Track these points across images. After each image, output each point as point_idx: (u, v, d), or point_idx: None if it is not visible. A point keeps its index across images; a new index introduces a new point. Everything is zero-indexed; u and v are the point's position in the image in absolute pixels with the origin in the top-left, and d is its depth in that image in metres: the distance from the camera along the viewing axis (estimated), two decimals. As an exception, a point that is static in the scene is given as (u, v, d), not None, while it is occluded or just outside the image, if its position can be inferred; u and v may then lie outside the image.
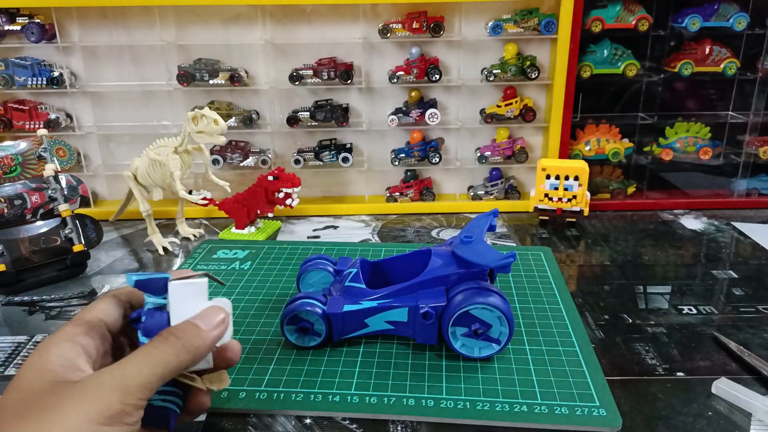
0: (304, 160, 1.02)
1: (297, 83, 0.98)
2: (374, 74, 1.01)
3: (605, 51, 0.98)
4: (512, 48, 0.98)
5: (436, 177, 1.06)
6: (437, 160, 1.02)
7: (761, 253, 0.84)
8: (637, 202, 1.03)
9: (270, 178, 0.90)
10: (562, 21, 0.93)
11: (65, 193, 0.81)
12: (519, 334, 0.62)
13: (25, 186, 0.78)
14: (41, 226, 0.79)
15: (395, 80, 0.98)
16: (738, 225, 0.94)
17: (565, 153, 1.00)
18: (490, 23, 0.96)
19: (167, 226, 0.96)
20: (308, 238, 0.93)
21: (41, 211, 0.79)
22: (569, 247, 0.87)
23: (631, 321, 0.67)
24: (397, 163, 1.03)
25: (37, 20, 0.94)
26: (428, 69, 0.97)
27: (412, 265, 0.62)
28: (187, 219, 0.97)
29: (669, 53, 1.01)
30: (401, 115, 1.00)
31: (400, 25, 0.96)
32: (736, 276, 0.77)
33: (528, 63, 0.98)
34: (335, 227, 0.97)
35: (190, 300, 0.44)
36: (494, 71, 0.98)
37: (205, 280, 0.45)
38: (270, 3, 0.94)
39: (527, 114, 1.00)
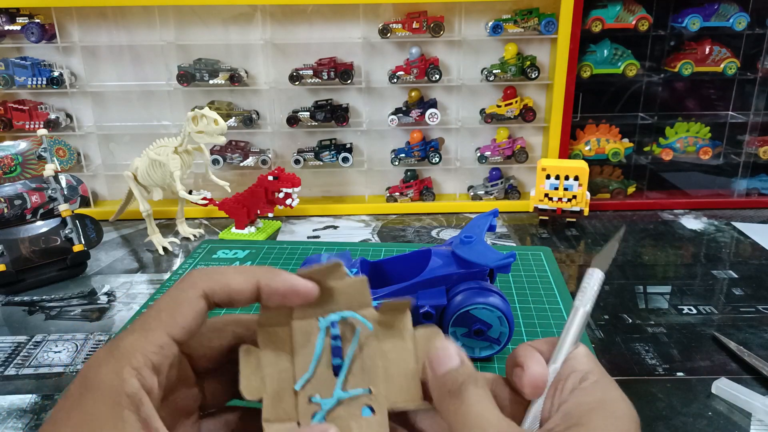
0: (304, 160, 1.02)
1: (297, 83, 0.98)
2: (374, 74, 1.01)
3: (605, 51, 0.98)
4: (512, 48, 0.98)
5: (436, 177, 1.06)
6: (437, 160, 1.02)
7: (761, 253, 0.84)
8: (637, 202, 1.03)
9: (270, 178, 0.90)
10: (562, 21, 0.93)
11: (65, 193, 0.81)
12: (519, 334, 0.62)
13: (25, 186, 0.78)
14: (41, 226, 0.79)
15: (395, 80, 0.98)
16: (738, 225, 0.94)
17: (565, 153, 1.00)
18: (490, 23, 0.96)
19: (167, 226, 0.96)
20: (308, 238, 0.93)
21: (41, 211, 0.79)
22: (569, 247, 0.87)
23: (631, 321, 0.67)
24: (397, 163, 1.03)
25: (37, 20, 0.94)
26: (428, 69, 0.97)
27: (412, 265, 0.62)
28: (187, 219, 0.97)
29: (669, 53, 1.01)
30: (401, 115, 1.00)
31: (400, 25, 0.96)
32: (736, 276, 0.77)
33: (528, 63, 0.98)
34: (335, 227, 0.97)
35: None
36: (494, 71, 0.98)
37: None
38: (270, 3, 0.94)
39: (527, 114, 1.00)
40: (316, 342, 0.35)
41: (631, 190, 1.05)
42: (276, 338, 0.36)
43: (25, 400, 0.55)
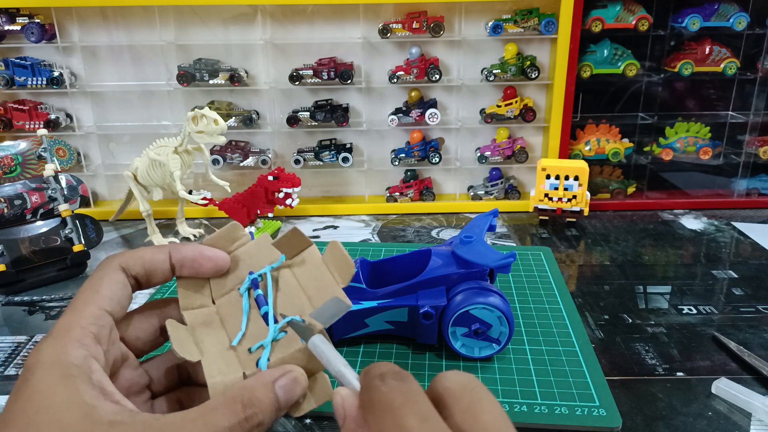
0: (304, 160, 1.02)
1: (297, 83, 0.98)
2: (374, 74, 1.01)
3: (605, 51, 0.98)
4: (512, 48, 0.98)
5: (436, 177, 1.06)
6: (437, 160, 1.02)
7: (761, 253, 0.84)
8: (637, 202, 1.03)
9: (270, 178, 0.90)
10: (562, 21, 0.93)
11: (65, 193, 0.81)
12: (519, 334, 0.62)
13: (25, 186, 0.78)
14: (41, 226, 0.79)
15: (395, 80, 0.98)
16: (738, 225, 0.94)
17: (565, 153, 1.00)
18: (490, 23, 0.96)
19: (167, 226, 0.96)
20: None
21: (41, 211, 0.79)
22: (569, 247, 0.87)
23: (631, 321, 0.67)
24: (397, 163, 1.03)
25: (37, 20, 0.94)
26: (428, 69, 0.97)
27: (412, 265, 0.62)
28: (187, 219, 0.97)
29: (669, 53, 1.01)
30: (401, 115, 1.00)
31: (400, 25, 0.96)
32: (736, 276, 0.77)
33: (528, 63, 0.98)
34: (335, 227, 0.97)
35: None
36: (494, 71, 0.98)
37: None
38: (270, 3, 0.94)
39: (527, 114, 1.00)
40: (243, 306, 0.38)
41: (631, 190, 1.05)
42: (203, 316, 0.38)
43: (25, 400, 0.55)
